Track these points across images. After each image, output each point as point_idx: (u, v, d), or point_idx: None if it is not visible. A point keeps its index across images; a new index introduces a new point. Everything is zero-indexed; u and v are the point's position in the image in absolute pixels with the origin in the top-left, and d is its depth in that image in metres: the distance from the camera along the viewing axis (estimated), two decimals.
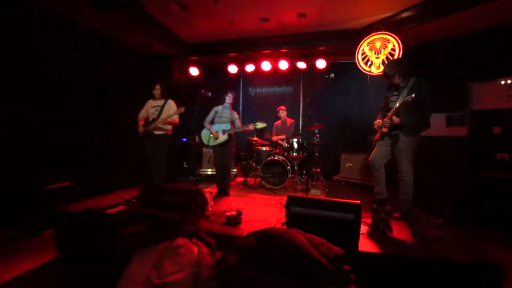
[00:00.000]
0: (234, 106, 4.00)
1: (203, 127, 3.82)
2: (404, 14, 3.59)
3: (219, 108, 3.82)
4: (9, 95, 2.93)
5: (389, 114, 2.61)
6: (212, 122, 3.80)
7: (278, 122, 4.90)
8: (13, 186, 2.92)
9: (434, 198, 3.24)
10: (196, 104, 3.76)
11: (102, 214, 2.44)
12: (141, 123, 3.64)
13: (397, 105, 2.54)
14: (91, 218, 2.27)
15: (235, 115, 3.85)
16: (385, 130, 2.67)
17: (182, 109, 3.49)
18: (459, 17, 3.28)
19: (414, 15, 3.52)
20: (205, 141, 3.81)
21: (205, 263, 1.65)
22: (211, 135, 3.70)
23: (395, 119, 2.57)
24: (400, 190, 2.67)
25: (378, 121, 2.77)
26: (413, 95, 2.35)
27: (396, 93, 2.68)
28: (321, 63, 4.84)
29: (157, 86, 3.67)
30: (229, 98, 3.81)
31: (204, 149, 5.10)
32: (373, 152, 2.84)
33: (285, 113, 4.80)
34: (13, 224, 2.87)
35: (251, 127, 3.56)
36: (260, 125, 3.55)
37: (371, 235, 2.27)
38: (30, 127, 3.12)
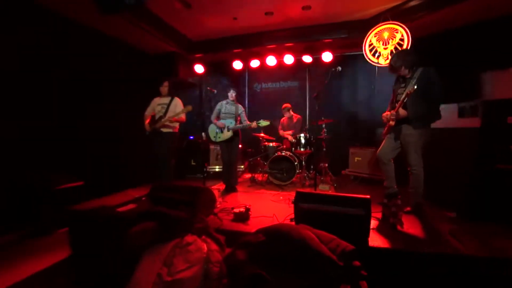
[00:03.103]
0: (240, 101, 3.97)
1: (210, 123, 3.83)
2: (413, 3, 3.48)
3: (223, 103, 3.82)
4: (19, 96, 2.99)
5: (396, 106, 2.56)
6: (218, 118, 3.80)
7: (284, 119, 4.87)
8: (26, 186, 3.00)
9: (447, 192, 3.16)
10: (202, 101, 3.77)
11: (113, 213, 2.48)
12: (147, 121, 3.65)
13: (403, 97, 2.48)
14: (101, 217, 2.31)
15: (240, 109, 3.83)
16: (392, 123, 2.62)
17: (190, 108, 3.50)
18: (471, 4, 3.15)
19: (424, 3, 3.40)
20: (211, 137, 3.82)
21: (214, 260, 1.66)
22: (217, 131, 3.71)
23: (402, 111, 2.52)
24: (410, 184, 2.63)
25: (386, 114, 2.72)
26: (415, 87, 2.31)
27: (403, 85, 2.61)
28: (327, 56, 4.75)
29: (166, 83, 3.67)
30: (231, 96, 3.79)
31: (212, 146, 5.12)
32: (381, 146, 2.80)
33: (291, 111, 4.76)
34: (27, 223, 2.95)
35: (254, 125, 3.54)
36: (264, 123, 3.53)
37: (381, 230, 2.24)
38: (42, 128, 3.19)
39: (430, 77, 2.42)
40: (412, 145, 2.54)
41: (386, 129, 2.77)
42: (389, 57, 3.66)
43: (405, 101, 2.48)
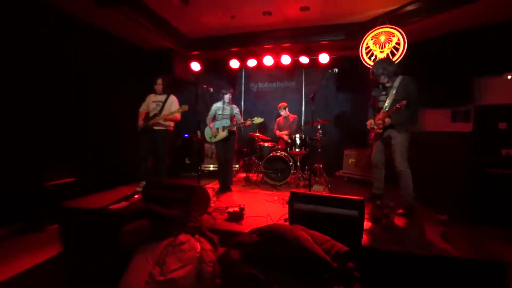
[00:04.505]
0: (236, 101, 3.95)
1: (204, 122, 3.80)
2: (410, 7, 3.52)
3: (218, 105, 3.78)
4: (11, 93, 2.93)
5: (381, 115, 2.73)
6: (214, 119, 3.78)
7: (280, 118, 4.87)
8: (18, 182, 2.94)
9: (439, 195, 3.22)
10: (198, 99, 3.74)
11: (104, 211, 2.45)
12: (141, 117, 3.57)
13: (387, 106, 2.67)
14: (93, 214, 2.28)
15: (235, 110, 3.81)
16: (379, 131, 2.79)
17: (186, 107, 3.43)
18: (466, 10, 3.20)
19: (420, 8, 3.44)
20: (207, 138, 3.80)
21: (208, 259, 1.65)
22: (213, 131, 3.69)
23: (387, 120, 2.69)
24: (400, 186, 2.71)
25: (370, 121, 2.88)
26: (405, 102, 2.46)
27: (384, 93, 2.79)
28: (324, 58, 4.77)
29: (159, 81, 3.58)
30: (227, 98, 3.74)
31: (206, 145, 5.09)
32: (373, 152, 2.94)
33: (287, 109, 4.77)
34: (19, 219, 2.90)
35: (248, 123, 3.57)
36: (258, 120, 3.58)
37: (374, 231, 2.25)
38: (33, 124, 3.14)
39: (409, 85, 2.61)
40: (397, 148, 2.67)
41: (373, 135, 2.91)
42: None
43: (388, 108, 2.67)
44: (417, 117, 2.70)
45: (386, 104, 2.69)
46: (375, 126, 2.80)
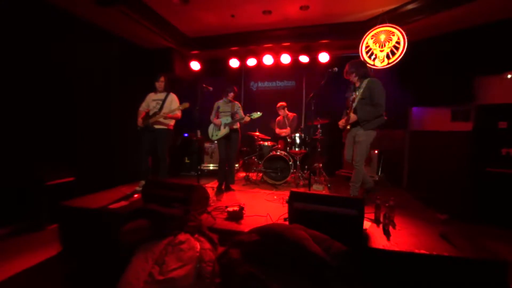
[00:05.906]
0: (236, 100, 3.94)
1: (204, 122, 3.81)
2: (410, 6, 3.50)
3: (220, 102, 3.80)
4: (11, 92, 2.92)
5: (348, 112, 2.94)
6: (217, 116, 3.80)
7: (280, 117, 4.87)
8: (17, 182, 2.94)
9: (439, 194, 3.21)
10: (198, 98, 3.73)
11: (104, 210, 2.45)
12: (141, 116, 3.56)
13: (351, 104, 2.89)
14: (93, 214, 2.28)
15: (237, 106, 3.80)
16: (348, 127, 2.97)
17: (187, 105, 3.42)
18: (466, 9, 3.20)
19: (420, 7, 3.43)
20: (210, 135, 3.82)
21: (207, 258, 1.65)
22: (215, 128, 3.71)
23: (353, 116, 2.87)
24: (351, 178, 2.94)
25: (342, 121, 3.08)
26: (357, 93, 2.78)
27: (354, 93, 2.97)
28: (324, 57, 4.76)
29: (162, 78, 3.56)
30: (229, 95, 3.75)
31: (206, 144, 5.09)
32: (345, 149, 3.08)
33: (286, 109, 4.76)
34: (18, 219, 2.90)
35: (247, 118, 3.57)
36: (256, 115, 3.58)
37: (374, 231, 2.25)
38: (33, 124, 3.13)
39: (374, 87, 2.78)
40: (360, 145, 2.84)
41: (345, 134, 3.08)
42: (385, 59, 3.71)
43: (354, 106, 2.85)
44: (380, 115, 2.83)
45: (354, 104, 2.90)
46: (347, 123, 2.98)
